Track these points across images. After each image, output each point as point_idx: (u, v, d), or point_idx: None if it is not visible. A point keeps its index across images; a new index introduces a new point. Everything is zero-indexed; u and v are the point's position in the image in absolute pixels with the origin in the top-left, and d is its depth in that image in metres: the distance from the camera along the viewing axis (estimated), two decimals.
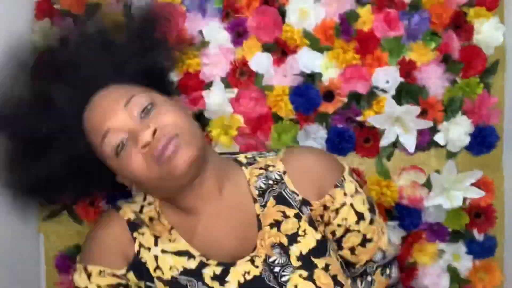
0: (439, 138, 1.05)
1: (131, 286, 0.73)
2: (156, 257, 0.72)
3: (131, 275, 0.72)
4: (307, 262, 0.70)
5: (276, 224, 0.72)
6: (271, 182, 0.75)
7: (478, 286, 1.10)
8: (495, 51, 1.04)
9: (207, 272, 0.69)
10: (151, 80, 0.75)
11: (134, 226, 0.74)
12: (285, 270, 0.69)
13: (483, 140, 1.05)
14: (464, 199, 1.05)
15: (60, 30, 0.82)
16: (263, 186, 0.74)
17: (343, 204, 0.75)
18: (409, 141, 1.04)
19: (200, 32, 1.03)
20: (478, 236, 1.09)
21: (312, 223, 0.73)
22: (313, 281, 0.68)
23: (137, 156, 0.66)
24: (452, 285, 1.09)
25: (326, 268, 0.70)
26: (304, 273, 0.69)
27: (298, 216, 0.72)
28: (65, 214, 1.08)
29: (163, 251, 0.72)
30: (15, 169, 0.73)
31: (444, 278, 1.09)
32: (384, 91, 1.04)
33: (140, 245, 0.73)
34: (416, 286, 1.10)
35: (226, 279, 0.69)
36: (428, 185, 1.06)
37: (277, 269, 0.69)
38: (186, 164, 0.65)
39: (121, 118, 0.67)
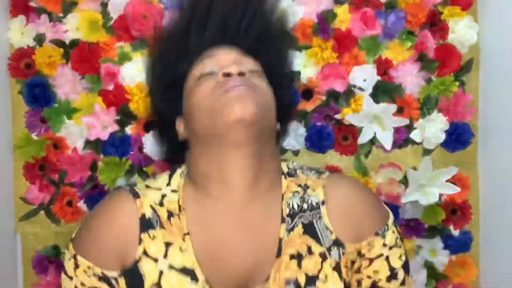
0: (415, 135, 1.07)
1: None
2: (161, 274, 0.62)
3: (122, 282, 0.63)
4: None
5: (298, 257, 0.63)
6: (305, 206, 0.66)
7: (455, 281, 1.12)
8: (469, 49, 1.06)
9: None
10: (273, 67, 0.74)
11: (146, 225, 0.64)
12: None
13: (458, 137, 1.07)
14: (440, 195, 1.07)
15: None
16: (295, 207, 0.65)
17: (380, 256, 0.66)
18: (386, 139, 1.05)
19: None
20: (454, 232, 1.11)
21: (338, 268, 0.63)
22: None
23: (210, 83, 0.64)
24: (429, 280, 1.11)
25: None
26: None
27: (323, 256, 0.63)
28: (43, 214, 1.07)
29: (170, 267, 0.63)
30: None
31: (422, 273, 1.11)
32: (361, 89, 1.05)
33: (145, 253, 0.63)
34: None
35: None
36: (404, 181, 1.07)
37: None
38: (243, 115, 0.59)
39: (228, 59, 0.66)
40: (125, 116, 1.04)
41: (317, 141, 1.06)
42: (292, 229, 0.63)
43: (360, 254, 0.65)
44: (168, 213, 0.65)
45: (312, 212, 0.64)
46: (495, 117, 1.08)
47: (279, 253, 0.62)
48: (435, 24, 1.05)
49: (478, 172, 1.11)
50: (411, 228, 1.10)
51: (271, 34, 0.74)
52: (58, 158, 1.05)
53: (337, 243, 0.63)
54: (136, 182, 0.73)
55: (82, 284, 0.65)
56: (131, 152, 1.05)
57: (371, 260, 0.65)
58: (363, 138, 1.06)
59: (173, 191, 0.67)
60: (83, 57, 1.03)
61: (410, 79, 1.05)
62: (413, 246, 1.11)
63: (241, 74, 0.62)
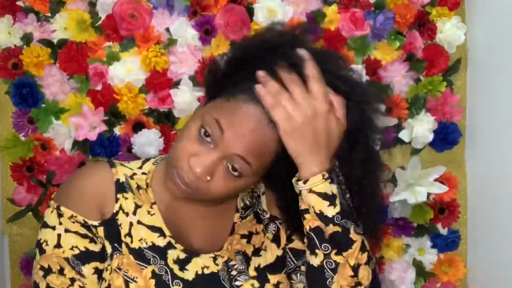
0: (403, 135, 1.07)
1: (97, 241, 0.72)
2: (131, 224, 0.73)
3: (101, 230, 0.71)
4: (261, 275, 0.75)
5: (248, 235, 0.77)
6: (254, 201, 0.81)
7: (443, 279, 1.13)
8: (457, 50, 1.07)
9: (171, 254, 0.72)
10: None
11: (121, 188, 0.74)
12: (240, 276, 0.74)
13: (446, 137, 1.08)
14: (428, 195, 1.08)
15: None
16: (248, 203, 0.80)
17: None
18: None
19: (167, 30, 1.02)
20: (442, 231, 1.12)
21: (277, 239, 0.78)
22: None
23: (192, 147, 0.67)
24: (418, 279, 1.12)
25: (277, 285, 0.75)
26: (256, 284, 0.74)
27: (264, 232, 0.78)
28: (30, 215, 1.06)
29: (139, 222, 0.73)
30: None
31: (410, 272, 1.11)
32: None
33: (120, 208, 0.73)
34: (383, 281, 1.12)
35: (187, 267, 0.72)
36: (393, 181, 1.08)
37: (234, 272, 0.74)
38: (171, 191, 0.70)
39: (229, 151, 0.66)
40: (114, 116, 1.04)
41: None
42: (245, 217, 0.79)
43: None
44: (137, 185, 0.75)
45: (257, 201, 0.80)
46: (482, 116, 1.09)
47: (232, 233, 0.77)
48: (423, 24, 1.06)
49: (466, 171, 1.12)
50: (399, 227, 1.10)
51: None
52: (46, 159, 1.05)
53: (272, 218, 0.79)
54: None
55: (67, 230, 0.71)
56: (120, 153, 1.04)
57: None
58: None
59: (143, 173, 0.77)
60: (71, 57, 1.02)
61: (399, 79, 1.06)
62: (401, 245, 1.11)
63: (196, 175, 0.66)
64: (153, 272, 0.71)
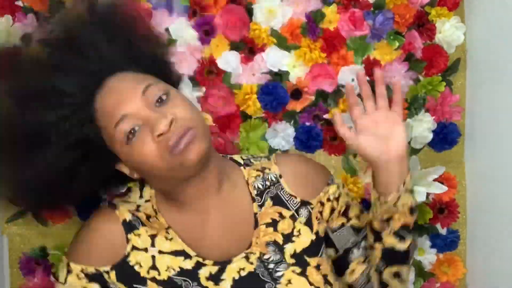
0: None
1: (108, 286, 0.71)
2: (153, 258, 0.71)
3: (113, 275, 0.71)
4: (300, 260, 0.74)
5: (273, 223, 0.76)
6: (268, 183, 0.79)
7: (442, 279, 1.13)
8: (456, 50, 1.07)
9: (203, 273, 0.71)
10: (162, 72, 0.75)
11: (130, 227, 0.73)
12: (279, 266, 0.73)
13: (445, 137, 1.08)
14: (428, 195, 1.08)
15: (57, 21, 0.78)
16: (261, 187, 0.78)
17: (339, 193, 0.84)
18: None
19: (167, 30, 1.02)
20: (442, 231, 1.12)
21: (309, 223, 0.78)
22: (306, 277, 0.73)
23: (150, 144, 0.66)
24: (417, 279, 1.12)
25: (318, 267, 0.75)
26: (298, 269, 0.73)
27: (293, 217, 0.77)
28: (30, 215, 1.06)
29: (160, 252, 0.72)
30: (20, 166, 0.71)
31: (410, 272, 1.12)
32: None
33: (134, 248, 0.72)
34: None
35: (222, 277, 0.71)
36: None
37: (271, 265, 0.72)
38: (199, 156, 0.67)
39: (138, 105, 0.67)
40: None
41: (306, 141, 1.06)
42: (263, 204, 0.76)
43: (321, 203, 0.80)
44: (146, 215, 0.74)
45: (275, 185, 0.78)
46: (482, 116, 1.09)
47: (256, 225, 0.74)
48: (423, 24, 1.06)
49: (465, 171, 1.12)
50: None
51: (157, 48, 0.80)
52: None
53: (304, 203, 0.78)
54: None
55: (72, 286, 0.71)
56: None
57: (336, 199, 0.82)
58: None
59: (146, 201, 0.75)
60: None
61: (398, 79, 1.06)
62: None
63: (171, 122, 0.66)
64: None
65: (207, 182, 0.73)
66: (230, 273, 0.71)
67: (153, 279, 0.70)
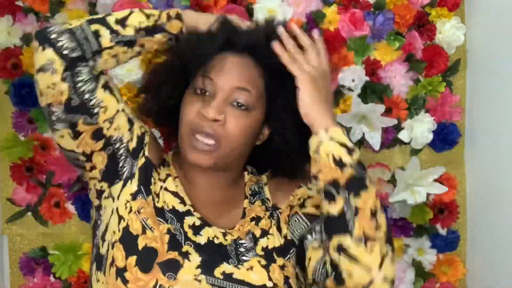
0: (403, 135, 1.08)
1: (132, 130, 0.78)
2: (160, 188, 0.79)
3: (142, 160, 0.79)
4: (268, 255, 0.78)
5: (257, 219, 0.82)
6: (258, 189, 0.86)
7: (442, 279, 1.13)
8: (456, 50, 1.07)
9: (188, 220, 0.78)
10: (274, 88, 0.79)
11: (163, 162, 0.83)
12: (248, 253, 0.78)
13: (445, 137, 1.08)
14: (428, 195, 1.08)
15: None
16: (256, 190, 0.86)
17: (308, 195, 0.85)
18: (375, 139, 1.06)
19: None
20: (442, 231, 1.12)
21: (278, 226, 0.82)
22: (268, 271, 0.76)
23: (195, 107, 0.75)
24: (417, 279, 1.12)
25: (282, 267, 0.78)
26: (263, 262, 0.77)
27: (270, 217, 0.83)
28: (30, 215, 1.06)
29: (166, 189, 0.79)
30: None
31: (409, 272, 1.12)
32: (350, 89, 1.06)
33: (159, 176, 0.80)
34: None
35: (200, 232, 0.77)
36: (392, 181, 1.08)
37: (242, 249, 0.78)
38: (196, 163, 0.75)
39: (225, 89, 0.75)
40: None
41: None
42: (253, 202, 0.84)
43: (291, 208, 0.83)
44: (166, 162, 0.84)
45: (262, 190, 0.86)
46: (482, 117, 1.09)
47: (243, 217, 0.82)
48: (423, 25, 1.06)
49: (465, 171, 1.12)
50: (399, 227, 1.11)
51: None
52: (46, 159, 1.05)
53: (274, 207, 0.83)
54: None
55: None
56: None
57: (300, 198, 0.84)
58: (351, 138, 1.07)
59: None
60: None
61: (398, 79, 1.06)
62: (401, 245, 1.12)
63: (216, 120, 0.74)
64: (168, 230, 0.75)
65: (211, 180, 0.81)
66: (207, 234, 0.77)
67: (153, 199, 0.77)
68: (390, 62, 1.06)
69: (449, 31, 1.05)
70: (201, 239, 0.76)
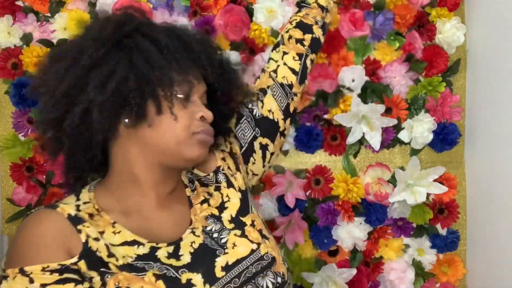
0: (403, 135, 1.08)
1: (84, 277, 0.67)
2: (107, 246, 0.70)
3: (82, 264, 0.67)
4: (237, 222, 0.81)
5: (205, 200, 0.82)
6: (192, 176, 0.87)
7: (442, 279, 1.13)
8: (456, 50, 1.07)
9: (162, 254, 0.73)
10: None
11: (76, 220, 0.71)
12: (222, 233, 0.79)
13: (445, 137, 1.08)
14: (428, 195, 1.08)
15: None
16: (190, 176, 0.86)
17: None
18: (375, 139, 1.06)
19: None
20: (442, 231, 1.12)
21: (230, 183, 0.85)
22: (246, 237, 0.79)
23: (186, 116, 0.75)
24: (417, 279, 1.12)
25: (252, 224, 0.81)
26: (238, 232, 0.79)
27: (217, 188, 0.84)
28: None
29: (112, 245, 0.71)
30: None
31: (409, 272, 1.12)
32: (350, 89, 1.06)
33: (87, 236, 0.70)
34: (382, 280, 1.12)
35: (179, 253, 0.75)
36: (392, 181, 1.08)
37: (215, 235, 0.78)
38: (200, 157, 0.76)
39: (201, 90, 0.79)
40: None
41: (306, 141, 1.06)
42: (195, 189, 0.84)
43: (223, 159, 0.87)
44: (87, 214, 0.73)
45: (194, 176, 0.86)
46: (481, 117, 1.09)
47: (191, 205, 0.81)
48: (423, 25, 1.06)
49: (465, 171, 1.12)
50: (398, 227, 1.11)
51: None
52: (46, 159, 1.04)
53: (215, 170, 0.86)
54: None
55: (44, 285, 0.65)
56: None
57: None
58: (351, 138, 1.07)
59: (85, 202, 0.75)
60: None
61: (398, 79, 1.06)
62: (400, 245, 1.12)
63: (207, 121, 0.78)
64: (154, 274, 0.70)
65: (169, 184, 0.80)
66: (185, 248, 0.75)
67: (114, 265, 0.69)
68: (390, 62, 1.06)
69: (449, 31, 1.05)
70: (185, 258, 0.73)
